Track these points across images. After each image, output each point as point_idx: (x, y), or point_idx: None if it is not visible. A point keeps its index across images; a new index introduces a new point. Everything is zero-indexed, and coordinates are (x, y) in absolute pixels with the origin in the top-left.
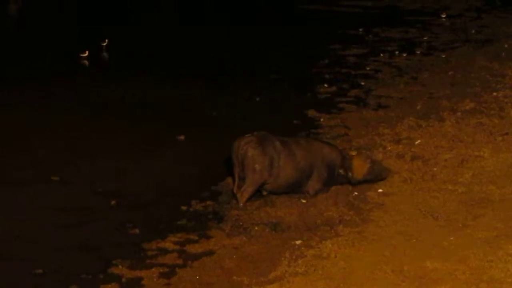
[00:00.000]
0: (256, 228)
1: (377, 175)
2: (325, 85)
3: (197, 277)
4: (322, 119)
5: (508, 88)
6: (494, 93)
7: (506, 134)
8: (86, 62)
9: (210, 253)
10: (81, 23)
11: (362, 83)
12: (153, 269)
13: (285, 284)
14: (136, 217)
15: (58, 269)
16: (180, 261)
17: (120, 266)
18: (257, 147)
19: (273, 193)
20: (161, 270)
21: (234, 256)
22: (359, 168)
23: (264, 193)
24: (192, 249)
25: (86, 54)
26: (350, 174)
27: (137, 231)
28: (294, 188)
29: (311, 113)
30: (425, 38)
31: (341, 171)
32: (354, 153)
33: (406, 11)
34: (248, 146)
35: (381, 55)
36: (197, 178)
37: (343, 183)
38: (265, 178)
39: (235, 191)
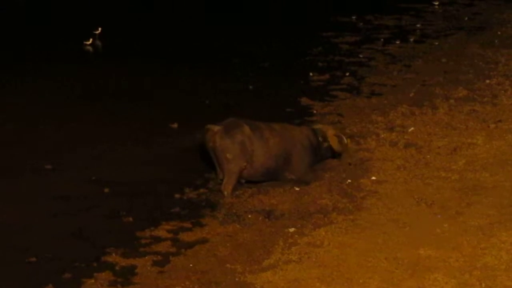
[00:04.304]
0: (250, 216)
1: (343, 147)
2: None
3: (191, 265)
4: (315, 107)
5: (501, 76)
6: (487, 81)
7: (499, 121)
8: (90, 48)
9: (204, 241)
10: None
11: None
12: (146, 257)
13: (278, 271)
14: (129, 205)
15: (51, 257)
16: (173, 249)
17: (113, 254)
18: (225, 135)
19: (251, 181)
20: (155, 258)
21: (228, 244)
22: (333, 139)
23: (242, 181)
24: (186, 237)
25: (90, 42)
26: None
27: (130, 219)
28: (272, 175)
29: (304, 100)
30: (418, 25)
31: (325, 144)
32: (317, 126)
33: None
34: (215, 136)
35: (375, 42)
36: (191, 166)
37: (328, 157)
38: (241, 165)
39: (222, 187)
